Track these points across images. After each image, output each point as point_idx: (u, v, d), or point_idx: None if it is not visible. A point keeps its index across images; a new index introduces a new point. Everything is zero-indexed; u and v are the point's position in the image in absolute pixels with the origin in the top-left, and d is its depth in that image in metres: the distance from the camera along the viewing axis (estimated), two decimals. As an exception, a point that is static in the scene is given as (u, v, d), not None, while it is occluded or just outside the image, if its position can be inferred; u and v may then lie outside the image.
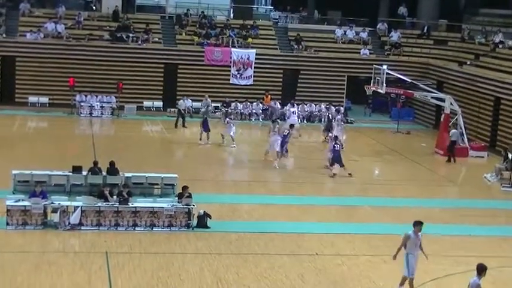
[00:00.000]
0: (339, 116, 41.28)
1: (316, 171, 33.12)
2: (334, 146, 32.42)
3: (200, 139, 36.96)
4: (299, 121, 42.87)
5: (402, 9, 54.59)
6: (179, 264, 20.53)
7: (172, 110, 44.98)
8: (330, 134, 35.75)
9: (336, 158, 32.11)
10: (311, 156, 36.78)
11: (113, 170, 26.69)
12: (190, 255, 21.42)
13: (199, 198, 24.69)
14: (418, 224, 19.12)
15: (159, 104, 45.63)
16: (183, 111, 42.01)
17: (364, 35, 50.87)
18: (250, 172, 33.35)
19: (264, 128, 41.18)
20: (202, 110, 41.93)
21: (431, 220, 26.58)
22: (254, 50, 47.49)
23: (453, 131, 37.29)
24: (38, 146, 34.78)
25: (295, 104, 43.73)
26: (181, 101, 43.02)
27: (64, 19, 47.65)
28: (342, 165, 32.11)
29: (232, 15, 53.41)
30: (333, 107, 45.39)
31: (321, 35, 50.98)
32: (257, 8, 58.55)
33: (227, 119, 38.01)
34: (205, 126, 36.98)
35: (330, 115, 44.25)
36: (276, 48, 48.99)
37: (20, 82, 45.05)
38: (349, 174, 31.91)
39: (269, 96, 46.08)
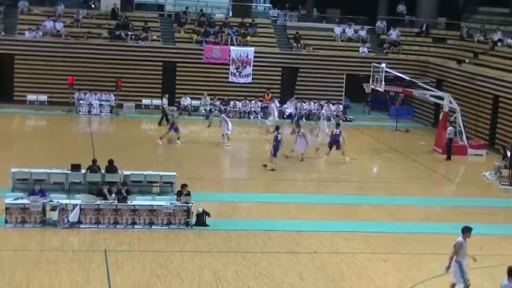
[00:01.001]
0: (324, 111, 41.13)
1: (315, 169, 33.15)
2: (276, 136, 32.46)
3: (161, 138, 36.57)
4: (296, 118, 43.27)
5: (401, 7, 54.59)
6: (178, 263, 20.53)
7: (171, 108, 44.92)
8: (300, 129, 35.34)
9: (275, 148, 32.15)
10: (309, 154, 36.78)
11: (111, 168, 26.69)
12: (189, 253, 21.42)
13: (198, 196, 24.69)
14: (469, 230, 18.73)
15: (158, 102, 45.53)
16: (165, 109, 41.56)
17: (363, 33, 50.86)
18: (249, 170, 33.35)
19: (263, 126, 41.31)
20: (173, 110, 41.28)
21: (430, 218, 26.69)
22: (253, 48, 47.47)
23: (450, 128, 37.30)
24: (37, 144, 34.77)
25: (290, 101, 43.98)
26: (164, 99, 42.53)
27: (63, 17, 47.61)
28: (274, 156, 32.20)
29: (231, 13, 53.35)
30: (295, 101, 45.68)
31: (319, 33, 50.94)
32: (256, 6, 58.43)
33: (222, 115, 37.89)
34: (173, 127, 36.61)
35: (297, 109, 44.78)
36: (275, 46, 48.98)
37: (19, 80, 45.00)
38: (272, 169, 31.85)
39: (270, 94, 46.09)
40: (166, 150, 36.14)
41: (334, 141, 34.39)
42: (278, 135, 32.60)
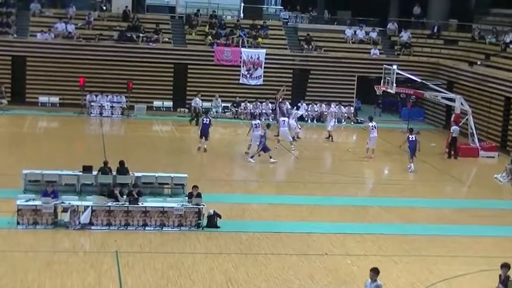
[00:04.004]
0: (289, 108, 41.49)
1: (326, 171, 33.12)
2: (202, 119, 35.45)
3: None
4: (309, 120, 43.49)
5: (417, 9, 54.33)
6: (189, 264, 20.55)
7: (182, 109, 45.08)
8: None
9: (202, 130, 35.29)
10: (321, 156, 36.81)
11: (123, 169, 26.73)
12: (200, 255, 21.44)
13: (209, 198, 24.70)
14: None
15: (169, 103, 45.70)
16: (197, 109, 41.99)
17: (374, 35, 50.82)
18: (260, 172, 33.33)
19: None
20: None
21: (441, 221, 26.61)
22: (264, 50, 47.48)
23: (454, 127, 37.24)
24: (49, 146, 34.88)
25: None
26: (197, 98, 43.10)
27: (74, 19, 47.78)
28: (202, 138, 35.13)
29: (242, 15, 53.41)
30: (268, 103, 45.67)
31: (330, 34, 50.94)
32: (267, 8, 58.56)
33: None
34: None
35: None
36: (286, 48, 48.97)
37: (31, 82, 45.17)
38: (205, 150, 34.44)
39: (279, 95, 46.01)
40: (177, 152, 36.16)
41: (412, 148, 33.93)
42: (205, 119, 35.63)
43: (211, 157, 34.90)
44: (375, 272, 16.37)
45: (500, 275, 17.25)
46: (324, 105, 46.01)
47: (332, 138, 39.74)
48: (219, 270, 20.23)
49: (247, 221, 25.05)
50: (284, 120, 37.41)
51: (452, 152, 37.16)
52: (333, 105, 45.17)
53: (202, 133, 35.29)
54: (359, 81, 48.58)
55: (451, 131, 37.10)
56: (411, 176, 33.26)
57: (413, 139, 34.18)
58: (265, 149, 33.67)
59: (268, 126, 35.30)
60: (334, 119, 40.89)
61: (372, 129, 36.00)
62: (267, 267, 20.74)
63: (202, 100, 44.79)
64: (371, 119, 36.92)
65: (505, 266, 17.20)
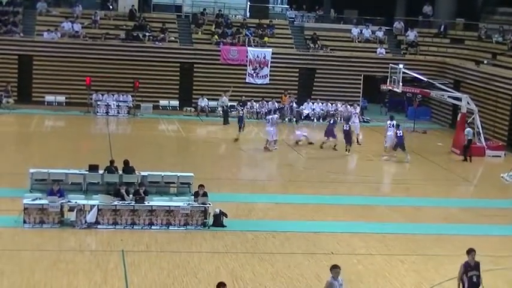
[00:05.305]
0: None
1: (332, 170, 33.10)
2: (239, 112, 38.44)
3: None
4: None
5: (426, 8, 54.17)
6: (195, 263, 20.57)
7: (188, 108, 45.12)
8: None
9: (240, 122, 38.09)
10: (327, 155, 36.76)
11: (128, 168, 26.76)
12: (206, 254, 21.46)
13: (215, 197, 24.73)
14: None
15: (175, 103, 45.75)
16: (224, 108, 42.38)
17: (380, 34, 50.77)
18: (266, 171, 33.36)
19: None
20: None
21: (447, 220, 26.58)
22: (270, 49, 47.49)
23: (468, 129, 37.15)
24: (55, 145, 34.94)
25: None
26: (225, 97, 43.58)
27: (81, 18, 47.88)
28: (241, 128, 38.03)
29: (248, 14, 53.43)
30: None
31: (337, 34, 50.91)
32: (273, 7, 58.51)
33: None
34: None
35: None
36: (292, 47, 48.97)
37: (37, 81, 45.27)
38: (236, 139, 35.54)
39: (287, 95, 45.98)
40: (183, 151, 36.24)
41: (400, 143, 35.07)
42: (241, 111, 38.79)
43: (217, 156, 34.95)
44: (338, 269, 16.00)
45: (464, 263, 17.12)
46: (329, 104, 46.00)
47: (358, 140, 38.90)
48: (225, 269, 20.24)
49: (253, 220, 25.06)
50: (272, 117, 37.50)
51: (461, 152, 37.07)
52: (341, 105, 45.12)
53: (238, 125, 38.22)
54: (365, 80, 48.54)
55: (466, 133, 36.89)
56: (417, 176, 33.22)
57: (401, 134, 34.81)
58: (349, 140, 35.97)
59: (348, 119, 37.64)
60: (358, 121, 40.45)
61: (389, 127, 36.03)
62: (273, 266, 20.75)
63: (209, 99, 44.98)
64: (391, 118, 37.01)
65: (472, 251, 17.21)
